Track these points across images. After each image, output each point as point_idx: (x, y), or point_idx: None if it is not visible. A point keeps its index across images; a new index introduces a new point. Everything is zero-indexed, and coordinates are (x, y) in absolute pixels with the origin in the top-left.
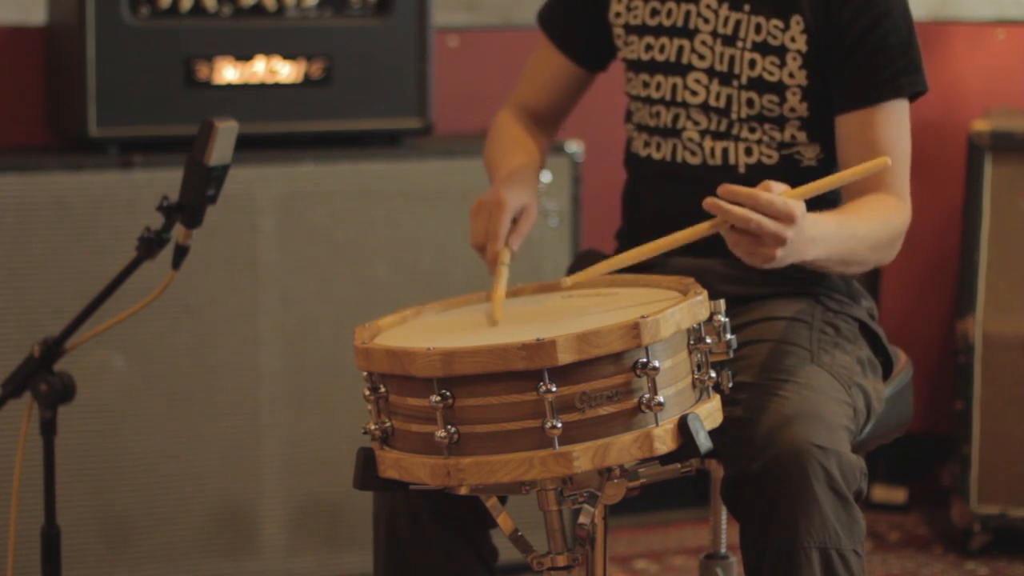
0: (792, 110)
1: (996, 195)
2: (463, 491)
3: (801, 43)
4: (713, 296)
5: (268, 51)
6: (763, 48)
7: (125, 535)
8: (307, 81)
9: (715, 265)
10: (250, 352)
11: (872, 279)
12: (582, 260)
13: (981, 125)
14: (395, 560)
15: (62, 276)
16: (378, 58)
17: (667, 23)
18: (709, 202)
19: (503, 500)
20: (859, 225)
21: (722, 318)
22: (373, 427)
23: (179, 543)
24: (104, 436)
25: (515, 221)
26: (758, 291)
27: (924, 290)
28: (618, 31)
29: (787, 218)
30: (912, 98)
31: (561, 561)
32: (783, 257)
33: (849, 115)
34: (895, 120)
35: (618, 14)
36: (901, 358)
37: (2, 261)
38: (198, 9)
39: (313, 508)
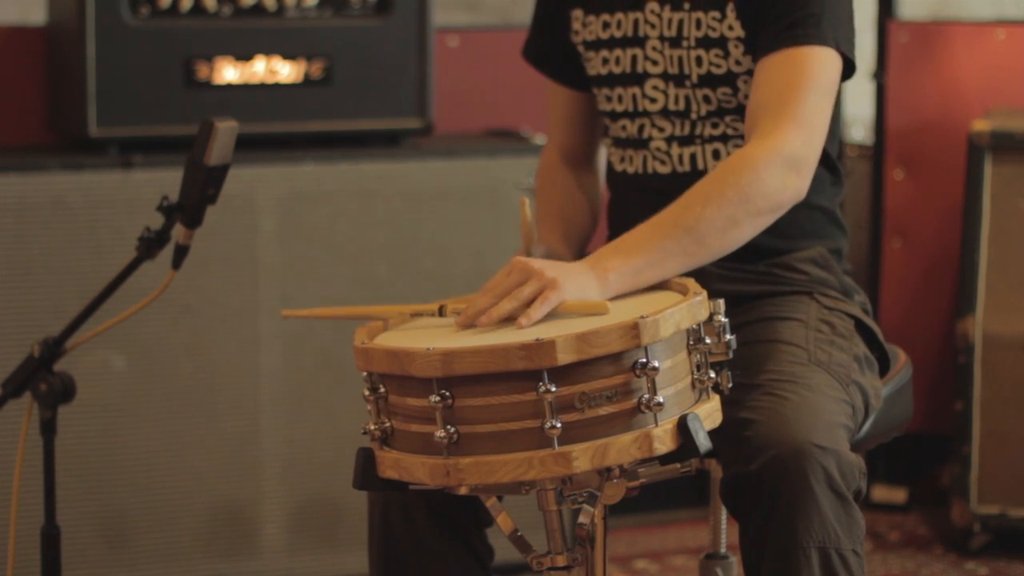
0: (747, 97)
1: (996, 195)
2: (462, 491)
3: (738, 29)
4: (708, 296)
5: (268, 51)
6: (706, 43)
7: (125, 535)
8: (307, 81)
9: (707, 266)
10: (250, 352)
11: (872, 278)
12: None
13: (981, 125)
14: (389, 560)
15: (62, 276)
16: (378, 58)
17: (618, 35)
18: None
19: (501, 499)
20: (679, 208)
21: (722, 318)
22: (373, 427)
23: (179, 543)
24: (104, 436)
25: None
26: (752, 290)
27: (924, 290)
28: (580, 50)
29: (517, 274)
30: (848, 71)
31: (561, 561)
32: (561, 293)
33: (759, 62)
34: (806, 61)
35: (576, 32)
36: (900, 357)
37: (2, 261)
38: (198, 9)
39: (313, 508)
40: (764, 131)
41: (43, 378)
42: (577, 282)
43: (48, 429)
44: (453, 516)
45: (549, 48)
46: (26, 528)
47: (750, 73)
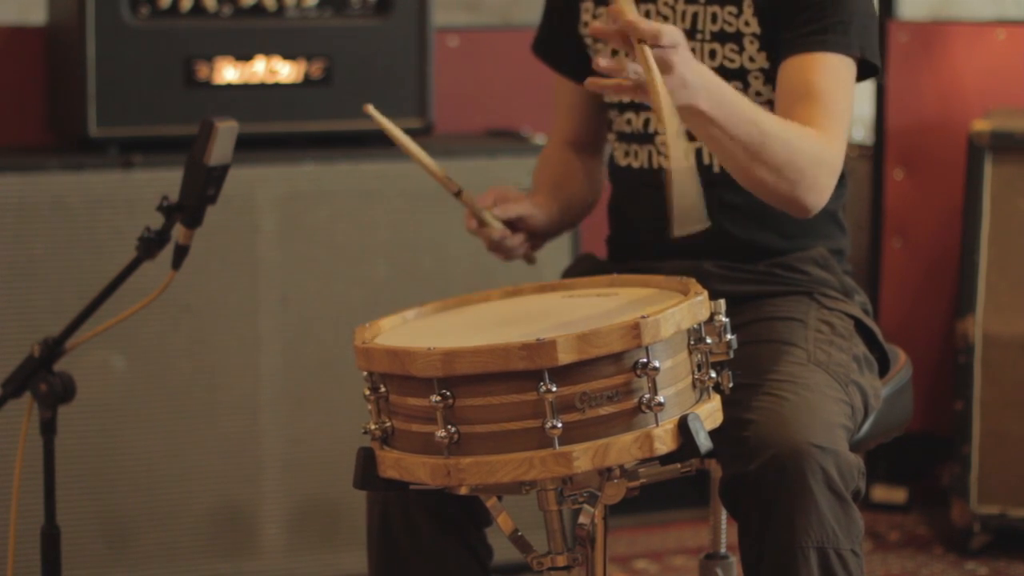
0: (758, 94)
1: (996, 195)
2: (463, 491)
3: (754, 25)
4: (709, 296)
5: (268, 51)
6: (721, 37)
7: (125, 535)
8: (307, 81)
9: (708, 266)
10: (250, 352)
11: (872, 278)
12: (580, 263)
13: (981, 125)
14: (389, 560)
15: (62, 276)
16: (378, 58)
17: None
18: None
19: (501, 499)
20: (769, 119)
21: (723, 318)
22: (373, 427)
23: (179, 543)
24: (104, 436)
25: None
26: (751, 290)
27: (924, 290)
28: (588, 41)
29: (661, 40)
30: (865, 71)
31: (561, 561)
32: (691, 82)
33: (783, 63)
34: (829, 69)
35: (586, 23)
36: (900, 357)
37: (2, 261)
38: (198, 9)
39: (313, 508)
40: (827, 134)
41: (43, 378)
42: (691, 66)
43: (48, 429)
44: (453, 516)
45: (559, 42)
46: (26, 528)
47: (762, 70)
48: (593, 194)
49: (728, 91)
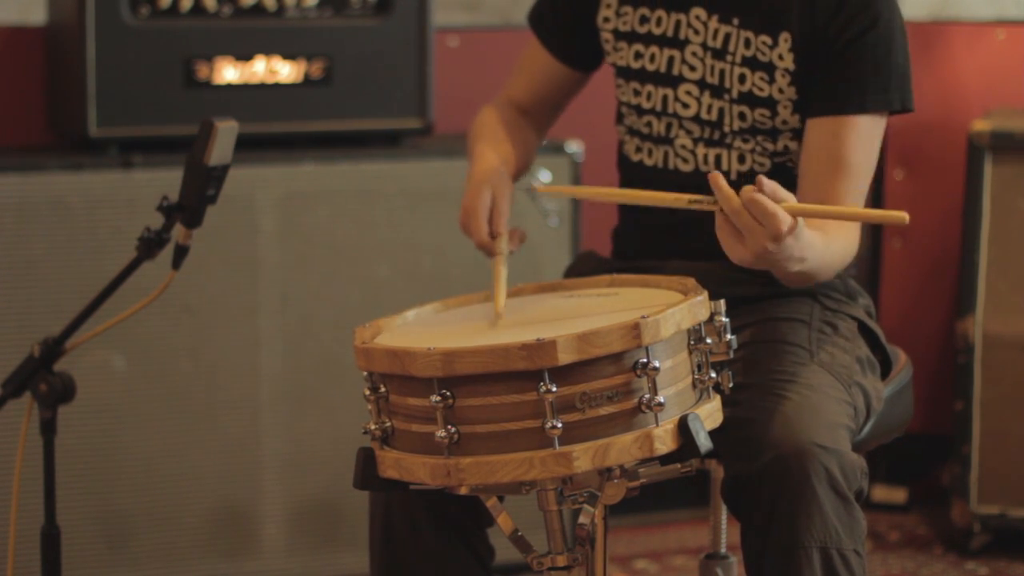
0: (784, 122)
1: (996, 195)
2: (463, 491)
3: (789, 61)
4: (713, 298)
5: (268, 51)
6: (752, 63)
7: (125, 535)
8: (307, 81)
9: (713, 268)
10: (250, 352)
11: (872, 278)
12: (582, 261)
13: (981, 125)
14: (391, 560)
15: (62, 276)
16: (378, 58)
17: (657, 32)
18: (713, 176)
19: (502, 499)
20: (830, 250)
21: (723, 318)
22: (373, 427)
23: (179, 543)
24: (104, 436)
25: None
26: (756, 292)
27: (924, 290)
28: (606, 36)
29: (774, 232)
30: (892, 113)
31: (561, 561)
32: (755, 263)
33: (816, 120)
34: (863, 136)
35: (607, 19)
36: (901, 358)
37: (2, 261)
38: (198, 9)
39: (313, 508)
40: (851, 223)
41: (43, 378)
42: (798, 246)
43: (48, 429)
44: (454, 516)
45: (559, 18)
46: (26, 528)
47: (792, 101)
48: (532, 151)
49: (810, 245)
